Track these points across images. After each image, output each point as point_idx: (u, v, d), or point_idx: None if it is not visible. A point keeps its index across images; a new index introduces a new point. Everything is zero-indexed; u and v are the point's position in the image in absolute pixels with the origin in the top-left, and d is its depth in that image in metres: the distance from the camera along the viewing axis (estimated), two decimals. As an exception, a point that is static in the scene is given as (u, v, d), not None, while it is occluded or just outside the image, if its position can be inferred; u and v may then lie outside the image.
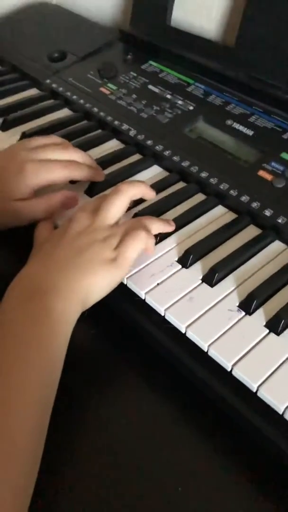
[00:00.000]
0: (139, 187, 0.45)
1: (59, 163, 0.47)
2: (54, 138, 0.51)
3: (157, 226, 0.44)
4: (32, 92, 0.68)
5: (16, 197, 0.45)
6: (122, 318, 0.45)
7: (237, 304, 0.41)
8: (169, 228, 0.46)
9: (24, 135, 0.58)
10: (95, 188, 0.51)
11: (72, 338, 0.40)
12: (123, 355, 0.45)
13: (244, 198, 0.49)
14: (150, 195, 0.47)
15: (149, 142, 0.57)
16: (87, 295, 0.39)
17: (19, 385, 0.33)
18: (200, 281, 0.43)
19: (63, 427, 0.38)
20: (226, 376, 0.37)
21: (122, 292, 0.43)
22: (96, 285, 0.39)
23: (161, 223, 0.45)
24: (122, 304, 0.44)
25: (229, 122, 0.59)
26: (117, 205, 0.43)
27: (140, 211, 0.48)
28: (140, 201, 0.49)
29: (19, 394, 0.33)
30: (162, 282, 0.43)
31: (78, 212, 0.43)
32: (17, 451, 0.32)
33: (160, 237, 0.46)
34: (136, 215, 0.47)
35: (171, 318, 0.40)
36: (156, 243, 0.45)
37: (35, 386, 0.34)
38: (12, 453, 0.31)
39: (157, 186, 0.51)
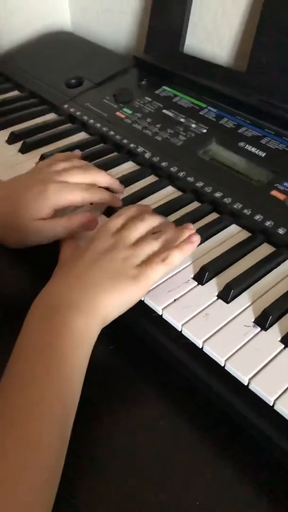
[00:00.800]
0: (159, 221, 0.47)
1: (81, 186, 0.49)
2: (76, 161, 0.53)
3: (185, 252, 0.44)
4: (50, 116, 0.71)
5: (38, 217, 0.47)
6: (139, 334, 0.46)
7: (253, 320, 0.42)
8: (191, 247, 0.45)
9: (43, 158, 0.60)
10: (113, 212, 0.53)
11: (91, 354, 0.42)
12: (140, 370, 0.45)
13: (258, 217, 0.50)
14: (171, 230, 0.47)
15: (164, 164, 0.59)
16: (108, 312, 0.40)
17: (40, 398, 0.34)
18: (216, 298, 0.44)
19: (79, 439, 0.39)
20: (242, 391, 0.38)
21: (139, 308, 0.44)
22: (116, 302, 0.40)
23: (188, 249, 0.45)
24: (140, 319, 0.45)
25: (241, 144, 0.60)
26: (139, 231, 0.45)
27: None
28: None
29: (40, 407, 0.34)
30: (178, 298, 0.44)
31: (100, 231, 0.45)
32: (38, 462, 0.32)
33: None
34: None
35: (187, 333, 0.41)
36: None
37: (56, 400, 0.35)
38: (34, 464, 0.32)
39: (173, 206, 0.53)
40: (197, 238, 0.45)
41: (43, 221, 0.47)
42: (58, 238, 0.48)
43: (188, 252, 0.45)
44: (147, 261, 0.42)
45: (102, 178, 0.52)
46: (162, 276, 0.43)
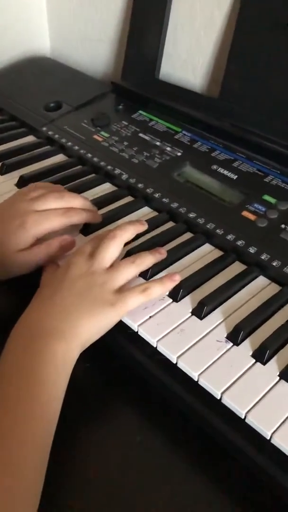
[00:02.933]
0: (131, 231, 0.48)
1: (57, 212, 0.50)
2: (50, 186, 0.55)
3: (166, 289, 0.46)
4: (29, 139, 0.72)
5: (20, 248, 0.48)
6: (115, 351, 0.46)
7: (225, 335, 0.43)
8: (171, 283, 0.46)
9: (22, 179, 0.61)
10: (90, 229, 0.54)
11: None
12: (116, 388, 0.46)
13: (230, 237, 0.52)
14: (142, 229, 0.50)
15: (140, 185, 0.60)
16: (87, 337, 0.41)
17: (24, 420, 0.35)
18: (190, 314, 0.45)
19: (56, 457, 0.40)
20: (215, 404, 0.39)
21: (115, 325, 0.45)
22: (94, 327, 0.42)
23: (169, 286, 0.46)
24: (115, 336, 0.45)
25: (214, 167, 0.63)
26: (112, 251, 0.46)
27: (132, 248, 0.51)
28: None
29: (23, 428, 0.35)
30: (154, 315, 0.45)
31: (75, 256, 0.46)
32: (20, 484, 0.33)
33: (151, 273, 0.48)
34: (128, 253, 0.50)
35: (162, 349, 0.42)
36: (148, 278, 0.48)
37: (39, 421, 0.36)
38: (16, 486, 0.33)
39: (149, 225, 0.55)
40: (178, 278, 0.46)
41: (24, 252, 0.48)
42: (40, 265, 0.49)
43: (168, 289, 0.46)
44: (127, 289, 0.44)
45: (77, 202, 0.52)
46: (139, 305, 0.44)
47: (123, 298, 0.43)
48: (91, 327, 0.41)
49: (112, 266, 0.45)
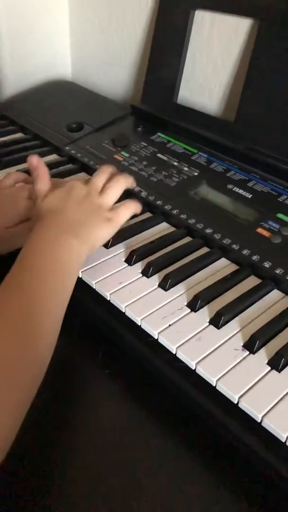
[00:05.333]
0: (129, 183, 0.59)
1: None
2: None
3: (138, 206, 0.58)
4: (52, 157, 0.76)
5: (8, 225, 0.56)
6: (135, 358, 0.49)
7: (242, 344, 0.45)
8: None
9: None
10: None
11: (87, 377, 0.48)
12: (135, 393, 0.48)
13: (245, 252, 0.55)
14: (133, 185, 0.60)
15: (158, 202, 0.63)
16: (94, 242, 0.51)
17: (42, 299, 0.43)
18: (208, 323, 0.47)
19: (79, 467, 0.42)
20: (232, 409, 0.41)
21: (135, 333, 0.48)
22: (98, 236, 0.51)
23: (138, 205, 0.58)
24: (135, 344, 0.48)
25: (229, 186, 0.66)
26: (102, 179, 0.56)
27: (153, 260, 0.53)
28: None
29: (40, 307, 0.42)
30: (173, 323, 0.47)
31: (74, 182, 0.55)
32: (35, 351, 0.40)
33: (170, 284, 0.51)
34: (131, 253, 0.55)
35: (181, 355, 0.44)
36: (167, 288, 0.50)
37: (56, 296, 0.44)
38: (31, 353, 0.40)
39: (167, 240, 0.57)
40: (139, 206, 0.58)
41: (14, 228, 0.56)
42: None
43: (137, 205, 0.58)
44: (117, 207, 0.55)
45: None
46: (128, 217, 0.55)
47: (116, 214, 0.53)
48: (96, 236, 0.51)
49: (102, 190, 0.55)
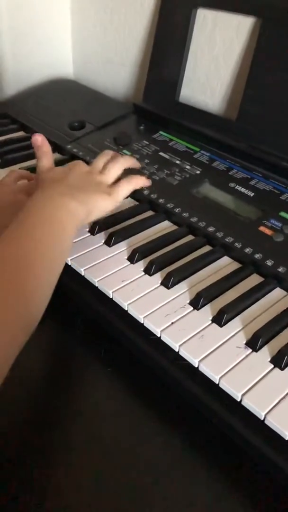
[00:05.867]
0: (131, 162, 0.62)
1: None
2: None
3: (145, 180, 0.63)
4: (55, 155, 0.76)
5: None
6: (137, 356, 0.49)
7: (244, 342, 0.45)
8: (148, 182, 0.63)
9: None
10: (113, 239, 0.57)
11: (89, 375, 0.48)
12: (137, 391, 0.48)
13: (248, 250, 0.55)
14: (137, 166, 0.64)
15: (161, 201, 0.63)
16: (92, 207, 0.52)
17: (37, 252, 0.44)
18: (210, 322, 0.47)
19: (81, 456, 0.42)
20: (235, 406, 0.41)
21: (138, 331, 0.48)
22: (98, 204, 0.53)
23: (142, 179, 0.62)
24: (138, 342, 0.48)
25: (232, 184, 0.66)
26: (103, 160, 0.59)
27: (155, 258, 0.53)
28: (153, 250, 0.55)
29: (35, 259, 0.43)
30: (175, 321, 0.47)
31: (77, 162, 0.57)
32: (25, 295, 0.41)
33: (173, 282, 0.51)
34: (134, 251, 0.55)
35: (184, 353, 0.44)
36: (170, 286, 0.50)
37: (51, 249, 0.45)
38: (21, 297, 0.41)
39: (169, 238, 0.58)
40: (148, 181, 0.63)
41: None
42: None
43: (146, 182, 0.62)
44: (117, 184, 0.56)
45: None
46: (128, 193, 0.58)
47: (116, 189, 0.56)
48: (94, 202, 0.52)
49: (102, 171, 0.57)
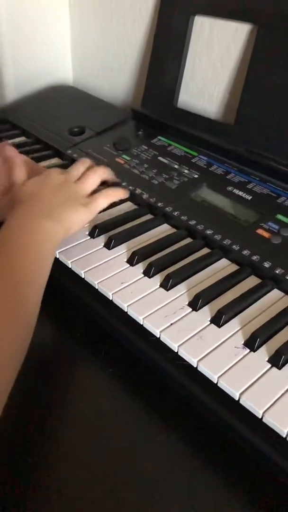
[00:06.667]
0: (108, 174, 0.62)
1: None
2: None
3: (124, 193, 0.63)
4: (55, 160, 0.77)
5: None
6: (137, 357, 0.49)
7: (242, 342, 0.46)
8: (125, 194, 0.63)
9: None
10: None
11: (90, 376, 0.49)
12: (138, 391, 0.49)
13: (246, 252, 0.56)
14: (113, 178, 0.64)
15: (159, 204, 0.64)
16: (70, 224, 0.53)
17: (21, 268, 0.46)
18: (209, 322, 0.48)
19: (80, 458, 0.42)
20: (234, 405, 0.42)
21: (137, 332, 0.48)
22: (75, 219, 0.53)
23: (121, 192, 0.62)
24: (138, 343, 0.48)
25: (229, 188, 0.67)
26: (80, 170, 0.60)
27: (154, 261, 0.54)
28: (153, 251, 0.56)
29: (21, 272, 0.45)
30: (174, 322, 0.48)
31: (50, 171, 0.57)
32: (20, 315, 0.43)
33: (172, 284, 0.52)
34: (134, 253, 0.55)
35: (183, 353, 0.45)
36: (168, 288, 0.51)
37: (34, 268, 0.47)
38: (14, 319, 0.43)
39: (168, 241, 0.58)
40: (127, 192, 0.63)
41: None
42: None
43: (123, 195, 0.62)
44: (95, 195, 0.57)
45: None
46: (106, 205, 0.58)
47: (94, 201, 0.56)
48: (71, 219, 0.53)
49: (79, 179, 0.58)
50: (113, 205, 0.65)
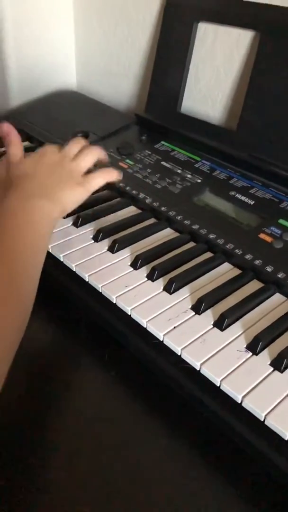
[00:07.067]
0: (103, 154, 0.61)
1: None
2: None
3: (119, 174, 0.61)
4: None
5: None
6: (140, 360, 0.50)
7: (245, 345, 0.46)
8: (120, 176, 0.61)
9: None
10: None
11: (93, 379, 0.49)
12: (140, 394, 0.49)
13: (248, 257, 0.56)
14: (106, 159, 0.63)
15: (163, 208, 0.65)
16: (65, 204, 0.53)
17: (17, 249, 0.46)
18: (212, 326, 0.48)
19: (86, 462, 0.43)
20: (236, 408, 0.42)
21: (140, 335, 0.49)
22: (69, 198, 0.54)
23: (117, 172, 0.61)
24: (141, 346, 0.49)
25: (232, 193, 0.67)
26: (76, 148, 0.59)
27: (158, 265, 0.54)
28: (158, 254, 0.56)
29: (15, 264, 0.45)
30: (178, 325, 0.48)
31: (46, 149, 0.57)
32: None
33: (175, 287, 0.52)
34: (137, 257, 0.55)
35: (186, 356, 0.45)
36: (172, 292, 0.52)
37: (30, 250, 0.47)
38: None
39: (171, 245, 0.59)
40: (120, 174, 0.61)
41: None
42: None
43: (119, 176, 0.61)
44: (90, 174, 0.57)
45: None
46: (100, 185, 0.57)
47: (89, 180, 0.56)
48: (67, 198, 0.53)
49: (74, 158, 0.57)
50: (116, 209, 0.66)
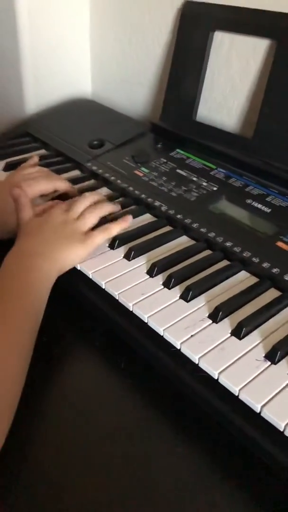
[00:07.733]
0: (111, 208, 0.63)
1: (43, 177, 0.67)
2: (38, 170, 0.69)
3: (122, 226, 0.62)
4: (75, 173, 0.78)
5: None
6: (157, 368, 0.49)
7: (263, 354, 0.46)
8: (125, 224, 0.62)
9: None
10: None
11: (110, 388, 0.49)
12: (158, 404, 0.49)
13: (265, 265, 0.56)
14: (116, 210, 0.64)
15: (179, 216, 0.65)
16: (63, 263, 0.55)
17: (13, 311, 0.48)
18: (229, 334, 0.48)
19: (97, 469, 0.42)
20: (255, 418, 0.41)
21: (158, 344, 0.49)
22: (69, 258, 0.55)
23: (124, 224, 0.62)
24: (158, 354, 0.49)
25: (248, 201, 0.67)
26: (81, 207, 0.60)
27: (174, 272, 0.54)
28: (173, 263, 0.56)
29: (14, 317, 0.47)
30: (195, 334, 0.48)
31: (55, 208, 0.60)
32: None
33: (192, 295, 0.52)
34: (153, 265, 0.56)
35: (204, 365, 0.45)
36: (189, 300, 0.51)
37: (25, 313, 0.48)
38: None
39: (187, 252, 0.59)
40: (130, 218, 0.62)
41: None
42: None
43: (123, 226, 0.61)
44: (92, 230, 0.58)
45: (63, 184, 0.67)
46: (103, 242, 0.59)
47: (91, 238, 0.57)
48: (66, 256, 0.55)
49: (79, 216, 0.59)
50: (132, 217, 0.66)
